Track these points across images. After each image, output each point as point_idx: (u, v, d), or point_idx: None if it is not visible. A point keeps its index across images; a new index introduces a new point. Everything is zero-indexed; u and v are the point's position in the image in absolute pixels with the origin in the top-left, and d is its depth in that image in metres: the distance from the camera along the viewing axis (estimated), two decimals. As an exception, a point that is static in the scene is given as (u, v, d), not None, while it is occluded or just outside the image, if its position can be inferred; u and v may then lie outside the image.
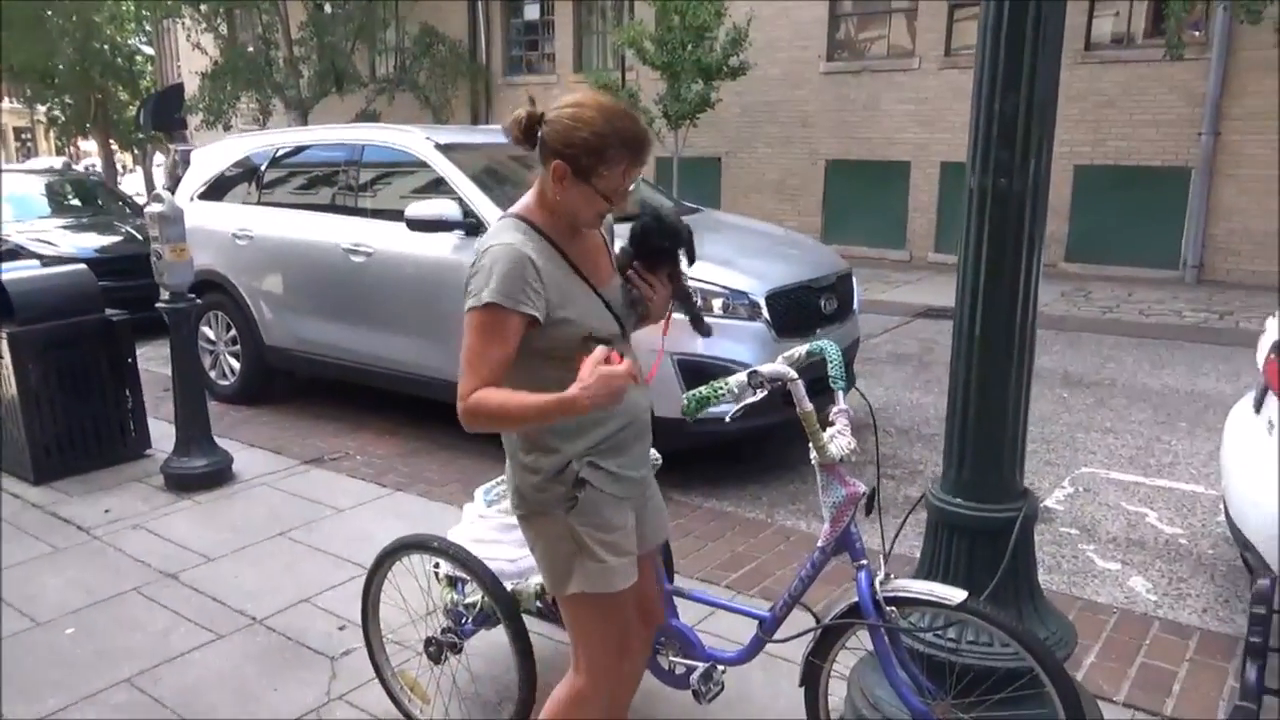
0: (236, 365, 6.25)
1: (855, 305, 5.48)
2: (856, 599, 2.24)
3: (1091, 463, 5.04)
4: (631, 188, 1.93)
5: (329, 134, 6.15)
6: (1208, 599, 3.56)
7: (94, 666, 3.06)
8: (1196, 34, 10.46)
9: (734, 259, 4.94)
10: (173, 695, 2.90)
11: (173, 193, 6.07)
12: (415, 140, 5.44)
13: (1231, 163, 10.53)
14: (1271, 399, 3.13)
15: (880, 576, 2.24)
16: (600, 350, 1.76)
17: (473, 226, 4.97)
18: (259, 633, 3.28)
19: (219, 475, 4.70)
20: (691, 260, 2.17)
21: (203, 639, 3.23)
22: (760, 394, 2.19)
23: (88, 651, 3.15)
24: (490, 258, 1.86)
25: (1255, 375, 3.42)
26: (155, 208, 4.48)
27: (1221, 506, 3.97)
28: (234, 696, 2.90)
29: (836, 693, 2.54)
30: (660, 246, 2.09)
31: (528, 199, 1.99)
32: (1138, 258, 11.08)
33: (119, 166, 26.72)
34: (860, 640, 2.39)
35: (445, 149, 5.33)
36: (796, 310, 4.82)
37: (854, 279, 5.51)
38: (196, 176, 6.67)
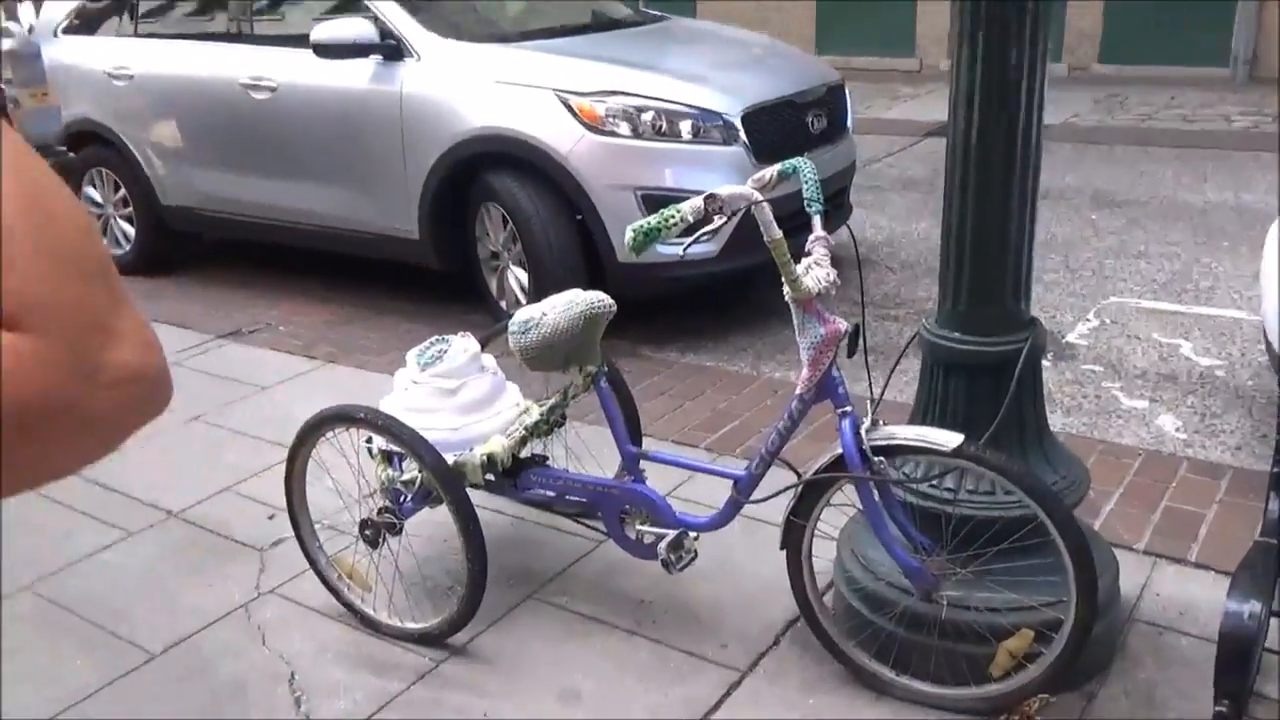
0: (130, 230, 6.12)
1: (849, 122, 5.37)
2: (841, 450, 2.28)
3: (1121, 291, 5.08)
4: None
5: (213, -56, 5.84)
6: (1243, 434, 3.64)
7: (-9, 574, 3.10)
8: None
9: (706, 73, 4.83)
10: (80, 600, 2.96)
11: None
12: (316, -54, 5.18)
13: (1295, -67, 10.21)
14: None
15: (866, 424, 2.27)
16: None
17: (392, 50, 4.79)
18: (175, 527, 3.32)
19: (120, 357, 4.66)
20: None
21: (111, 538, 3.27)
22: (720, 221, 2.15)
23: (-17, 558, 3.19)
24: None
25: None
26: (4, 44, 4.28)
27: (1263, 331, 4.02)
28: (150, 597, 2.96)
29: (826, 555, 2.61)
30: None
31: None
32: (1182, 55, 10.86)
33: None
34: (848, 497, 2.44)
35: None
36: (779, 130, 4.73)
37: (847, 91, 5.39)
38: (59, 6, 6.36)
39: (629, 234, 2.10)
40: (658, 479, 2.83)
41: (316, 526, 2.91)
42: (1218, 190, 6.75)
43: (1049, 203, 6.44)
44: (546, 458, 2.86)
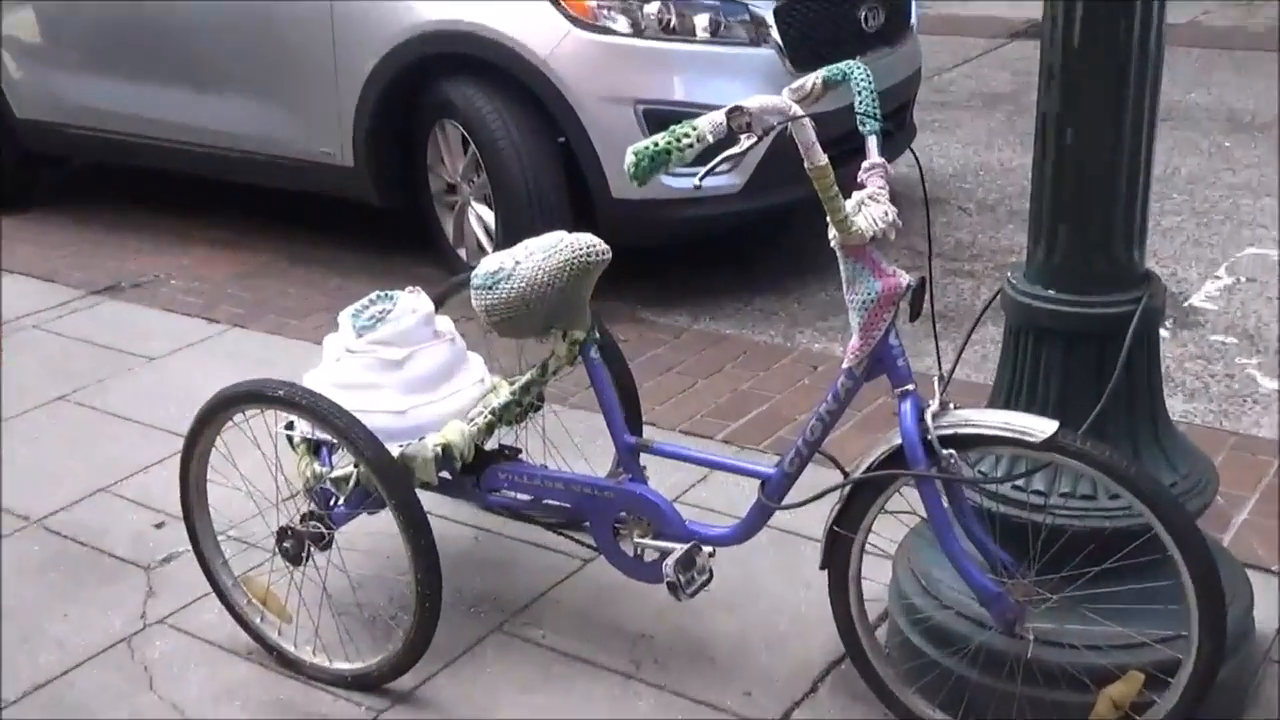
0: (-22, 153, 6.12)
1: (913, 18, 5.38)
2: (900, 440, 2.29)
3: (1261, 241, 5.10)
4: None
5: None
6: None
7: None
8: None
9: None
10: (-83, 630, 2.97)
11: None
12: None
13: None
14: None
15: (933, 407, 2.28)
16: None
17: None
18: (37, 538, 3.33)
19: (-36, 317, 4.68)
20: None
21: (-44, 550, 3.28)
22: (748, 143, 2.14)
23: None
24: None
25: None
26: None
27: None
28: (5, 627, 2.96)
29: (880, 578, 2.62)
30: None
31: None
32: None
33: None
34: (909, 501, 2.46)
35: None
36: (823, 27, 4.75)
37: (911, -21, 5.40)
38: None
39: (630, 158, 2.10)
40: (663, 479, 2.84)
41: (220, 538, 2.93)
42: (1389, 111, 6.78)
43: (1169, 126, 6.43)
44: (519, 450, 2.86)
